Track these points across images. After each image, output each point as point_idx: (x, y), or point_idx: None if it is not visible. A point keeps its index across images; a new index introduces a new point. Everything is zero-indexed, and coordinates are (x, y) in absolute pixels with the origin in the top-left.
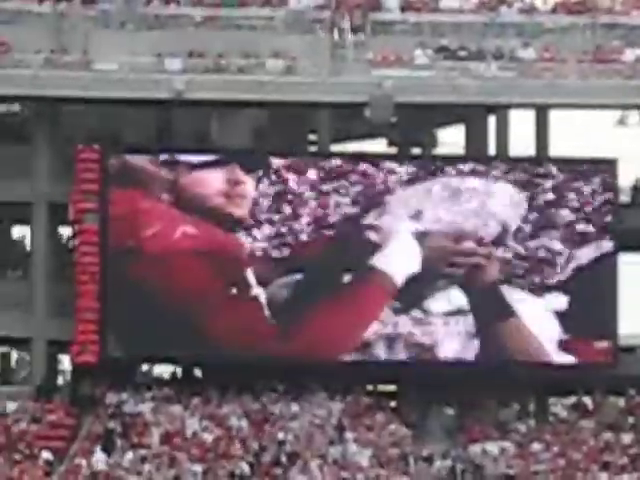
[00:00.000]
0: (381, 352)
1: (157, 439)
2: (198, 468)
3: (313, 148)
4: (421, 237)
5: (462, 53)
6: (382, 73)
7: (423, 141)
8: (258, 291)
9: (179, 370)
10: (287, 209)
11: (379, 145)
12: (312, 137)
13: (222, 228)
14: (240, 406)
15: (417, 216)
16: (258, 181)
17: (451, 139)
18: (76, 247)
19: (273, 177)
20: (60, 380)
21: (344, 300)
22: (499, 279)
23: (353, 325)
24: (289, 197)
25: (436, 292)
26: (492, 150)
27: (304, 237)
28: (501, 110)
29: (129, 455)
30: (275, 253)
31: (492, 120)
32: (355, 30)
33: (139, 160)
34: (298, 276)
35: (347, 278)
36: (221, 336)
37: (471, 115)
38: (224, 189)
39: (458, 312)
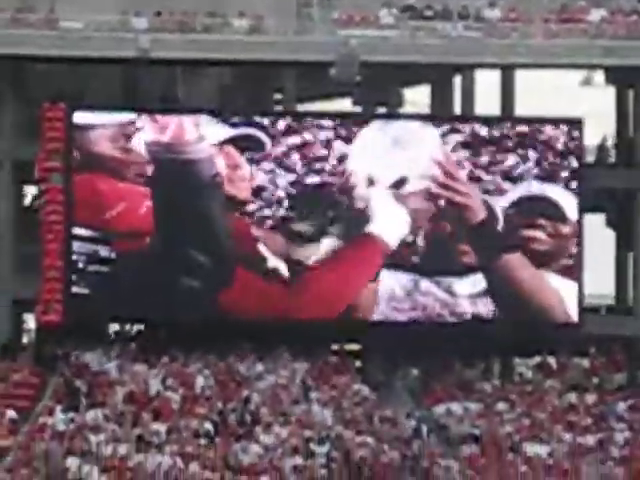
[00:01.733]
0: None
1: (121, 398)
2: (162, 427)
3: (278, 107)
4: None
5: (428, 12)
6: (348, 32)
7: (389, 101)
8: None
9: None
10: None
11: (344, 104)
12: (277, 96)
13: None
14: (205, 365)
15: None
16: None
17: (417, 98)
18: (41, 206)
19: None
20: (25, 339)
21: (340, 264)
22: None
23: (349, 286)
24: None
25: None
26: (458, 110)
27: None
28: (467, 70)
29: (93, 414)
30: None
31: (458, 80)
32: None
33: (105, 147)
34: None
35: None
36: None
37: (437, 75)
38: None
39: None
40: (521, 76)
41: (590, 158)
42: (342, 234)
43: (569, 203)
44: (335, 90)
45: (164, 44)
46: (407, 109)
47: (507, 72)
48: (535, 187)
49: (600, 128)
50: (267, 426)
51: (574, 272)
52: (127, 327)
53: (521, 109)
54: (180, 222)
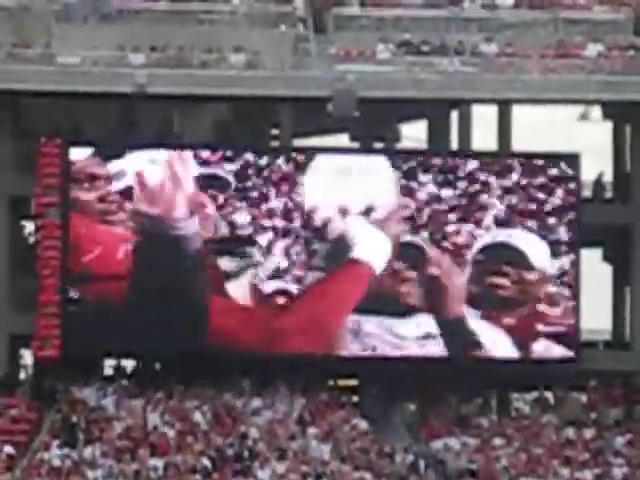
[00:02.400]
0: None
1: (118, 433)
2: (159, 463)
3: (275, 143)
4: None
5: (424, 48)
6: (344, 68)
7: (386, 136)
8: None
9: (141, 364)
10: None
11: (341, 140)
12: (274, 131)
13: None
14: (202, 401)
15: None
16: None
17: (414, 133)
18: (38, 241)
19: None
20: (22, 374)
21: (326, 291)
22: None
23: (338, 313)
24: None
25: None
26: (454, 145)
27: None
28: (463, 105)
29: (90, 449)
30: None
31: (454, 115)
32: (318, 25)
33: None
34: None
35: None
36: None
37: (433, 110)
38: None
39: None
40: (518, 111)
41: (587, 193)
42: (326, 265)
43: (537, 250)
44: (332, 125)
45: (161, 79)
46: (404, 144)
47: (504, 107)
48: (502, 234)
49: (597, 163)
50: (264, 461)
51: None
52: (123, 362)
53: (518, 144)
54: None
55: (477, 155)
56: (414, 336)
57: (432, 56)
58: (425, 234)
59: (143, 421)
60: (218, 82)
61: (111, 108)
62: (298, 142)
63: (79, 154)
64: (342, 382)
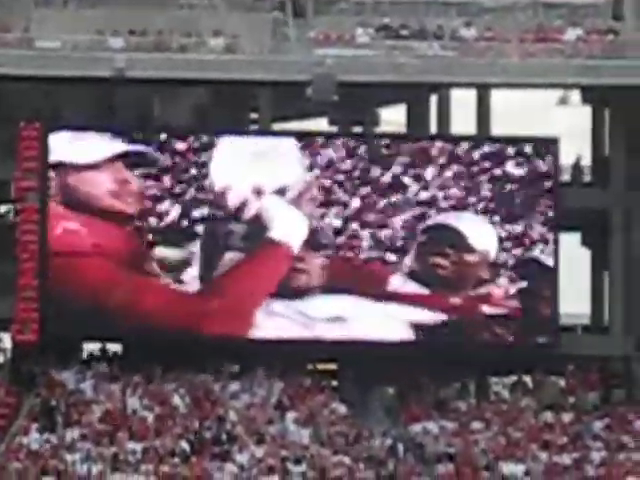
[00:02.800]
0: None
1: (97, 417)
2: (138, 446)
3: (254, 126)
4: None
5: (404, 32)
6: (324, 52)
7: (365, 120)
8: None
9: (120, 348)
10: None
11: (321, 124)
12: (254, 115)
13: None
14: (180, 384)
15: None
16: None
17: (392, 118)
18: (17, 225)
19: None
20: (1, 358)
21: (249, 271)
22: None
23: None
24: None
25: None
26: (434, 129)
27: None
28: (442, 89)
29: (69, 433)
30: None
31: (434, 99)
32: (297, 9)
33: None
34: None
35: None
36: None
37: (413, 94)
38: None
39: None
40: (497, 95)
41: (566, 177)
42: (244, 246)
43: (481, 233)
44: (311, 110)
45: (140, 63)
46: (383, 128)
47: (483, 91)
48: (448, 217)
49: (576, 147)
50: (243, 445)
51: None
52: (101, 346)
53: (497, 128)
54: None
55: (456, 139)
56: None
57: (411, 40)
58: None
59: (122, 405)
60: (197, 66)
61: (90, 92)
62: (277, 126)
63: (58, 138)
64: (321, 366)
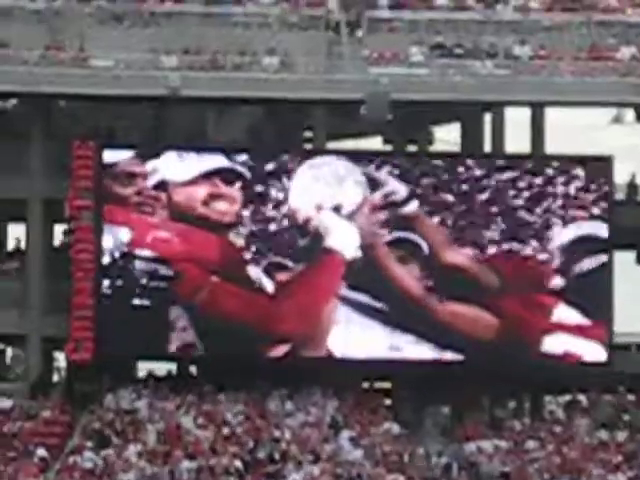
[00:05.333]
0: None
1: (152, 436)
2: (193, 465)
3: (309, 145)
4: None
5: (458, 51)
6: (378, 70)
7: (419, 139)
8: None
9: (174, 367)
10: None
11: (375, 143)
12: (308, 134)
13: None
14: (235, 403)
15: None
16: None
17: (447, 136)
18: (72, 244)
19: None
20: (55, 377)
21: (309, 281)
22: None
23: (322, 301)
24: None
25: None
26: (488, 147)
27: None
28: (497, 108)
29: (124, 452)
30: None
31: (488, 118)
32: (351, 27)
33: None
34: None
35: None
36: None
37: (467, 113)
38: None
39: None
40: (551, 114)
41: (620, 196)
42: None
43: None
44: (366, 128)
45: (194, 82)
46: (437, 147)
47: (537, 110)
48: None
49: (631, 166)
50: (297, 464)
51: None
52: (156, 365)
53: (551, 147)
54: None
55: (511, 158)
56: None
57: (465, 59)
58: None
59: (176, 424)
60: (251, 85)
61: (144, 111)
62: (332, 145)
63: (113, 157)
64: (375, 385)
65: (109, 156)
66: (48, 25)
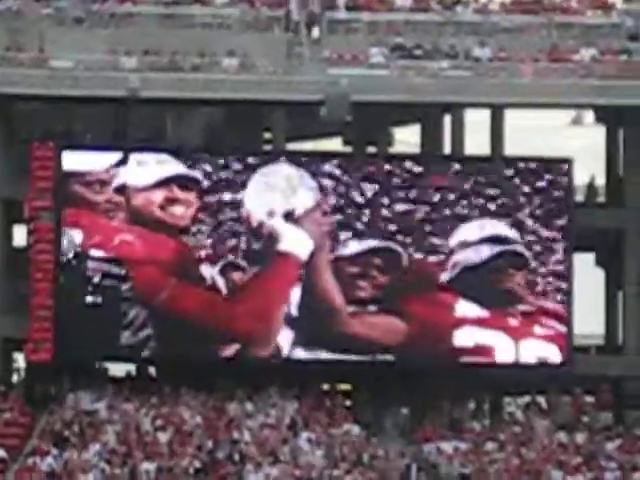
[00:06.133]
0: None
1: (112, 437)
2: (152, 466)
3: (268, 146)
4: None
5: (418, 52)
6: (338, 72)
7: (378, 140)
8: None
9: (133, 368)
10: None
11: (334, 144)
12: (267, 135)
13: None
14: (194, 404)
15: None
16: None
17: (406, 138)
18: (31, 245)
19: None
20: (15, 378)
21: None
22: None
23: (276, 303)
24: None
25: None
26: (447, 149)
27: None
28: (456, 109)
29: (84, 453)
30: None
31: (447, 119)
32: (310, 28)
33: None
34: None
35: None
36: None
37: (427, 114)
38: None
39: None
40: (510, 115)
41: (580, 197)
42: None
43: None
44: (325, 130)
45: (153, 83)
46: (397, 148)
47: (497, 111)
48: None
49: (590, 167)
50: (257, 465)
51: None
52: (115, 366)
53: (510, 148)
54: None
55: (469, 160)
56: None
57: (425, 60)
58: None
59: (135, 425)
60: (211, 86)
61: (104, 112)
62: (291, 146)
63: (72, 158)
64: (335, 387)
65: (70, 158)
66: (7, 26)
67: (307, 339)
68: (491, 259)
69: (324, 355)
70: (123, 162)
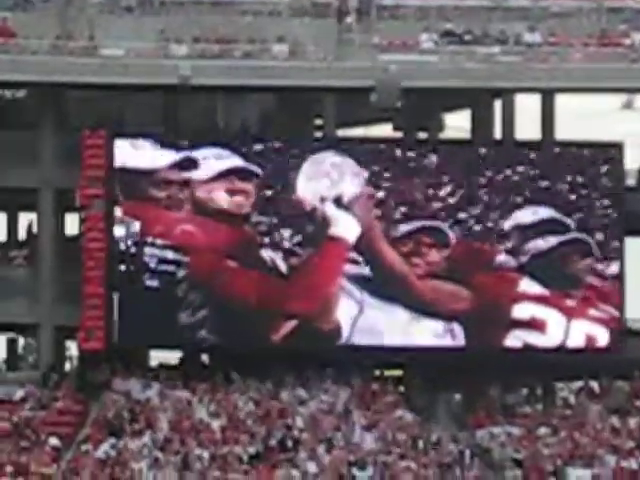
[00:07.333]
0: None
1: (165, 425)
2: (205, 453)
3: (319, 133)
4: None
5: (467, 37)
6: (388, 58)
7: (429, 126)
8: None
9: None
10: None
11: (385, 130)
12: (318, 122)
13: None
14: (247, 392)
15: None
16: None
17: (457, 123)
18: (83, 233)
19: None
20: (67, 366)
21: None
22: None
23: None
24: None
25: None
26: (498, 134)
27: None
28: (507, 94)
29: (136, 441)
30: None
31: (498, 104)
32: (360, 14)
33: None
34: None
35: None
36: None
37: (477, 99)
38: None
39: None
40: (561, 100)
41: (631, 181)
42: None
43: None
44: (376, 116)
45: (204, 71)
46: (448, 134)
47: (547, 96)
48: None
49: None
50: (310, 451)
51: None
52: (168, 354)
53: (561, 133)
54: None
55: (520, 145)
56: None
57: (475, 45)
58: None
59: (188, 412)
60: (261, 73)
61: (155, 100)
62: (342, 132)
63: (123, 146)
64: (388, 372)
65: (120, 145)
66: (58, 14)
67: (381, 295)
68: (558, 246)
69: (376, 341)
70: (185, 161)
